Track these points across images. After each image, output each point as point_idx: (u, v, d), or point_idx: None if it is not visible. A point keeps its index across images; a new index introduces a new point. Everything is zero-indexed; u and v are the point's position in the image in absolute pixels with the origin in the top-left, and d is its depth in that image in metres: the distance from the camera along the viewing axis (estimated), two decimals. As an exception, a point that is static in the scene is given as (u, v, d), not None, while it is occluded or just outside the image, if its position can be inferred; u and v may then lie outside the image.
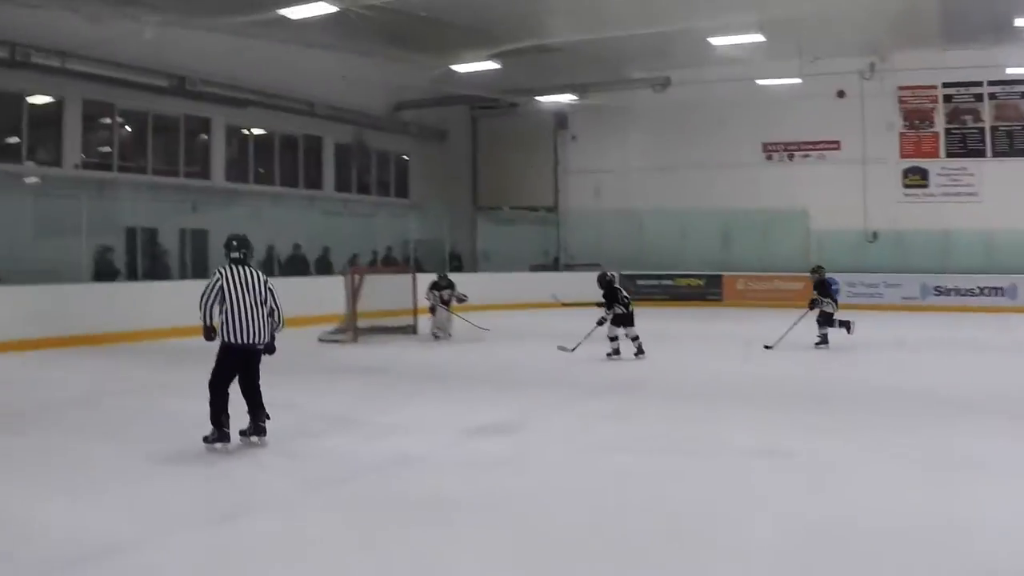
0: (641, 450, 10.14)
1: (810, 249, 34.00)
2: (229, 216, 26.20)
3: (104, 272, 23.27)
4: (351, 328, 22.02)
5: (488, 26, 28.22)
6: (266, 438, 10.47)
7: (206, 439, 10.22)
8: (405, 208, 37.19)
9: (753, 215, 33.86)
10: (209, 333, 10.75)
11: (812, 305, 20.27)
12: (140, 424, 11.85)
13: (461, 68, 31.56)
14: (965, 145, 32.92)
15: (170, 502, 8.12)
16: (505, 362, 18.94)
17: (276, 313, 10.86)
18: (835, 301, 20.70)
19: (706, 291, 34.22)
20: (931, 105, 33.16)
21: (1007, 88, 32.45)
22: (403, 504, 8.06)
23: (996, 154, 32.61)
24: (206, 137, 30.95)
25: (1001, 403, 13.11)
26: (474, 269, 35.15)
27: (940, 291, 31.49)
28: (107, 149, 28.05)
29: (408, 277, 24.29)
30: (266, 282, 10.80)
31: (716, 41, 28.16)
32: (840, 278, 31.72)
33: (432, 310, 22.83)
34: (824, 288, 20.57)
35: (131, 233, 25.01)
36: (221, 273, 10.60)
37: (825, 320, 20.00)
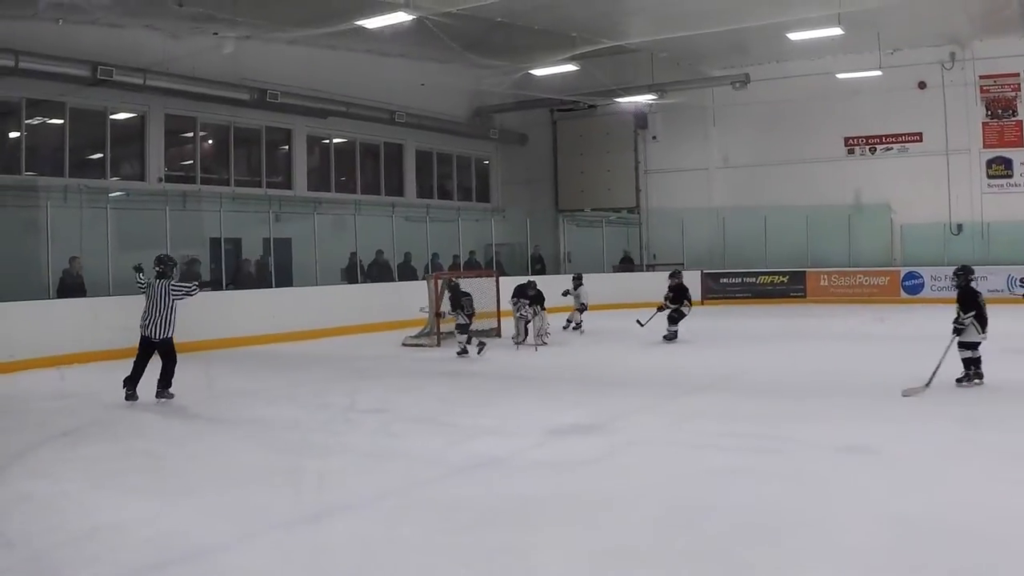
0: (729, 448, 10.09)
1: (893, 243, 33.72)
2: (312, 225, 26.45)
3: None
4: (435, 332, 22.10)
5: (565, 29, 28.20)
6: (164, 400, 13.97)
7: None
8: (487, 212, 37.30)
9: (835, 210, 33.54)
10: None
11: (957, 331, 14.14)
12: (227, 429, 11.99)
13: (540, 72, 31.62)
14: (1050, 132, 32.42)
15: (258, 504, 8.22)
16: (590, 363, 18.93)
17: (186, 293, 14.66)
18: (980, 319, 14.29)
19: (789, 288, 33.94)
20: (1013, 93, 32.64)
21: (1090, 72, 31.94)
22: (489, 505, 8.09)
23: (1081, 140, 32.06)
24: (287, 148, 31.24)
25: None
26: (557, 271, 35.13)
27: (1027, 283, 30.96)
28: (190, 162, 28.42)
29: (491, 281, 24.33)
30: (170, 290, 14.31)
31: (795, 36, 27.97)
32: (924, 272, 31.46)
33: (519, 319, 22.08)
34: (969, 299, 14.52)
35: (215, 244, 25.29)
36: (148, 283, 14.38)
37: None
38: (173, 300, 14.28)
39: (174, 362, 14.27)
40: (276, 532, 7.41)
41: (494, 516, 7.78)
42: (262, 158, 30.49)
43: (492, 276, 24.88)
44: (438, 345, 21.62)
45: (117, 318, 17.25)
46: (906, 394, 13.03)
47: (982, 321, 13.90)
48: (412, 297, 24.05)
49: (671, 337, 21.20)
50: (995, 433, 10.47)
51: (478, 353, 19.38)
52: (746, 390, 14.55)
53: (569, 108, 38.20)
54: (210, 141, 29.39)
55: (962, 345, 13.91)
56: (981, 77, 32.63)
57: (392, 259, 29.13)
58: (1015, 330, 18.97)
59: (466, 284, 21.93)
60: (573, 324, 24.85)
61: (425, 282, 24.03)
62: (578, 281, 25.39)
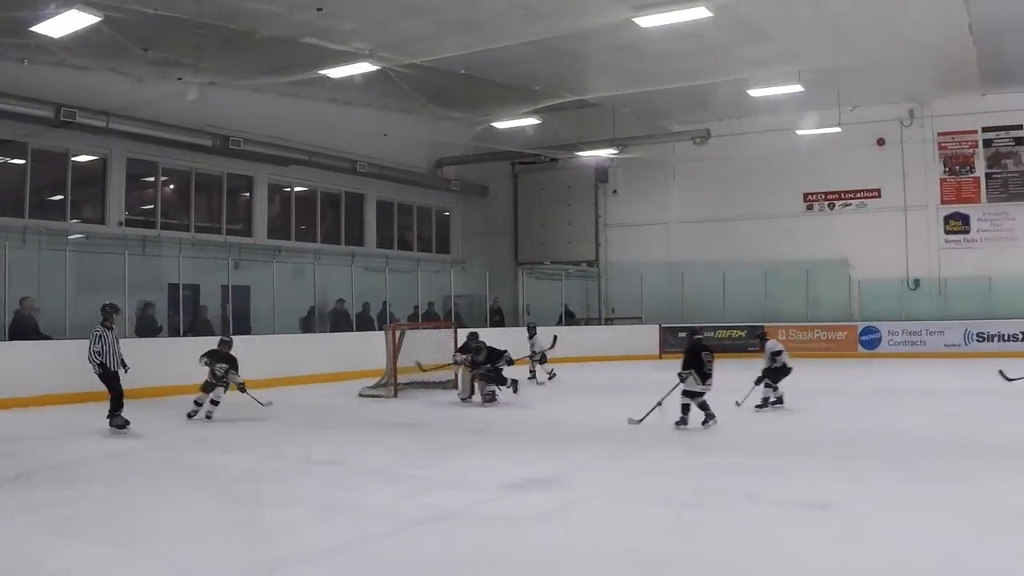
0: (684, 504, 10.08)
1: (851, 298, 33.97)
2: (271, 273, 26.40)
3: (146, 328, 23.46)
4: (392, 383, 22.06)
5: (528, 82, 28.37)
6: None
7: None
8: (446, 263, 37.33)
9: (794, 265, 33.80)
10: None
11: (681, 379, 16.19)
12: (180, 478, 11.89)
13: (502, 124, 31.80)
14: (1006, 189, 32.71)
15: (210, 555, 8.14)
16: (546, 416, 18.87)
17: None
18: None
19: (748, 342, 34.07)
20: (971, 150, 33.03)
21: (1048, 131, 32.38)
22: (444, 559, 8.03)
23: (1038, 197, 32.43)
24: (248, 195, 31.23)
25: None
26: (515, 323, 35.16)
27: (983, 338, 31.22)
28: (150, 207, 28.37)
29: (449, 332, 24.32)
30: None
31: (755, 93, 28.25)
32: (882, 327, 31.70)
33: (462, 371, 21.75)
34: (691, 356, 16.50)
35: (173, 289, 25.20)
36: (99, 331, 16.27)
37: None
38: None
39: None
40: (227, 585, 7.37)
41: (450, 570, 7.74)
42: (223, 205, 30.48)
43: (450, 328, 24.88)
44: (395, 396, 21.59)
45: (73, 361, 17.13)
46: (630, 422, 16.03)
47: (702, 376, 15.92)
48: (370, 347, 24.05)
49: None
50: (963, 491, 10.49)
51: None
52: (701, 445, 14.54)
53: (530, 161, 38.34)
54: (171, 186, 29.37)
55: (685, 393, 16.07)
56: (939, 134, 33.10)
57: (351, 309, 29.07)
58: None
59: (424, 336, 21.95)
60: (539, 377, 24.87)
61: (383, 332, 24.01)
62: (532, 331, 25.44)
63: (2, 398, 18.34)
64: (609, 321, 36.71)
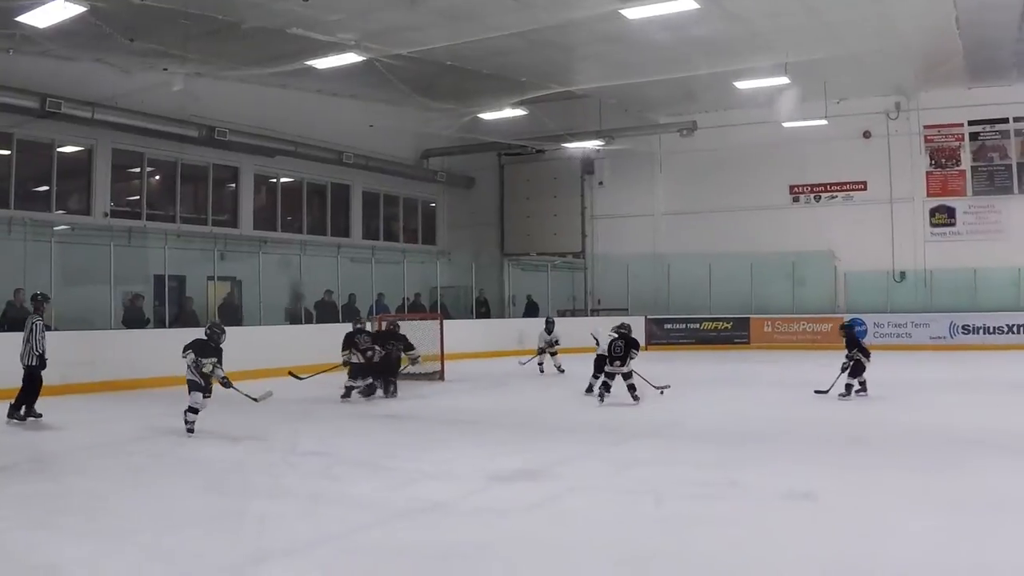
0: (671, 495, 10.09)
1: (837, 290, 34.06)
2: (257, 264, 26.35)
3: (132, 319, 23.38)
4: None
5: (515, 74, 28.34)
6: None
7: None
8: (432, 255, 37.32)
9: (780, 257, 33.92)
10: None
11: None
12: (166, 470, 11.87)
13: (488, 116, 31.74)
14: (992, 182, 32.84)
15: (197, 548, 8.12)
16: (532, 408, 18.91)
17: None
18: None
19: (733, 334, 34.15)
20: (957, 143, 33.11)
21: (1034, 124, 32.43)
22: (430, 551, 8.02)
23: (1023, 191, 32.46)
24: (234, 186, 31.17)
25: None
26: (502, 315, 35.16)
27: (968, 330, 31.33)
28: (136, 198, 28.30)
29: (435, 323, 24.31)
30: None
31: (742, 85, 28.25)
32: (868, 319, 31.74)
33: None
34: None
35: (159, 281, 25.13)
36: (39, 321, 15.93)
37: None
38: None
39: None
40: (212, 577, 7.35)
41: (436, 562, 7.72)
42: (209, 196, 30.44)
43: (437, 319, 24.87)
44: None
45: (58, 353, 17.07)
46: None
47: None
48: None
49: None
50: (943, 481, 10.52)
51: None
52: (688, 436, 14.58)
53: (517, 152, 38.39)
54: (157, 177, 29.32)
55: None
56: (926, 127, 33.20)
57: (337, 300, 29.03)
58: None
59: (410, 327, 21.93)
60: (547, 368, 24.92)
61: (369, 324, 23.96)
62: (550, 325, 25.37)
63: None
64: (595, 312, 36.69)
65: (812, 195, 35.32)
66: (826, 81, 29.97)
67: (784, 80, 26.80)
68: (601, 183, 38.57)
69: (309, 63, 23.95)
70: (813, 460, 12.14)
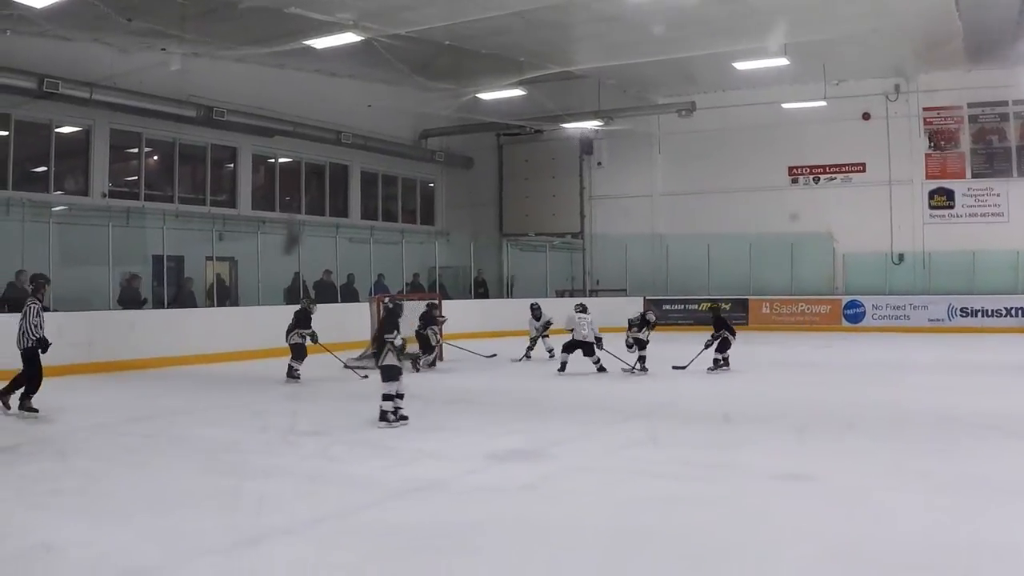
0: (666, 475, 10.12)
1: (835, 272, 34.06)
2: (256, 244, 26.34)
3: (130, 300, 23.37)
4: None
5: (513, 54, 28.30)
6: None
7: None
8: (431, 235, 37.32)
9: (779, 239, 33.86)
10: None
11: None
12: (163, 450, 11.88)
13: (487, 96, 31.70)
14: (991, 165, 32.78)
15: (193, 527, 8.13)
16: (531, 388, 18.89)
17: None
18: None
19: (731, 315, 34.08)
20: (956, 126, 33.06)
21: (1033, 107, 32.38)
22: (427, 530, 8.03)
23: (1022, 173, 32.41)
24: (232, 166, 31.14)
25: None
26: (500, 295, 35.15)
27: (966, 312, 31.31)
28: (134, 178, 28.27)
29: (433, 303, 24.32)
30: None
31: (741, 66, 28.23)
32: (866, 300, 31.76)
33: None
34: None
35: (158, 261, 25.11)
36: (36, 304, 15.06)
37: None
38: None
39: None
40: (212, 556, 7.33)
41: (432, 541, 7.73)
42: (207, 176, 30.40)
43: (435, 299, 24.86)
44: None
45: (58, 335, 17.07)
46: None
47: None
48: (355, 319, 24.06)
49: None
50: (938, 462, 10.54)
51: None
52: (683, 417, 14.61)
53: (515, 132, 38.34)
54: (155, 157, 29.27)
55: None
56: (925, 109, 33.12)
57: (336, 280, 28.99)
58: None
59: (409, 307, 21.93)
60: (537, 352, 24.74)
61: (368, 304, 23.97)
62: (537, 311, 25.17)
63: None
64: (594, 293, 36.70)
65: (811, 176, 35.27)
66: (825, 62, 29.96)
67: (783, 61, 26.79)
68: (600, 163, 38.50)
69: (307, 43, 23.86)
70: (808, 441, 12.18)
